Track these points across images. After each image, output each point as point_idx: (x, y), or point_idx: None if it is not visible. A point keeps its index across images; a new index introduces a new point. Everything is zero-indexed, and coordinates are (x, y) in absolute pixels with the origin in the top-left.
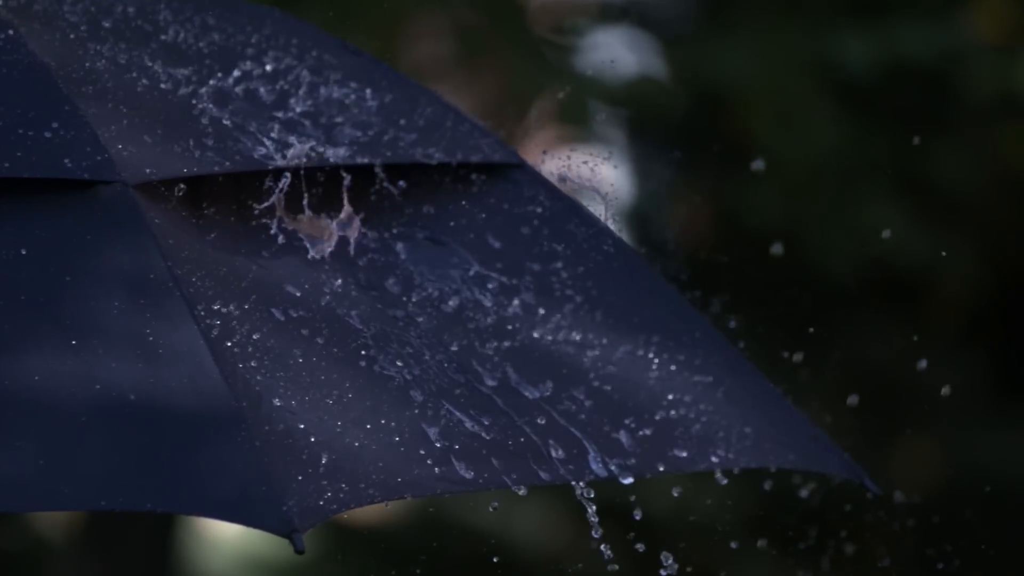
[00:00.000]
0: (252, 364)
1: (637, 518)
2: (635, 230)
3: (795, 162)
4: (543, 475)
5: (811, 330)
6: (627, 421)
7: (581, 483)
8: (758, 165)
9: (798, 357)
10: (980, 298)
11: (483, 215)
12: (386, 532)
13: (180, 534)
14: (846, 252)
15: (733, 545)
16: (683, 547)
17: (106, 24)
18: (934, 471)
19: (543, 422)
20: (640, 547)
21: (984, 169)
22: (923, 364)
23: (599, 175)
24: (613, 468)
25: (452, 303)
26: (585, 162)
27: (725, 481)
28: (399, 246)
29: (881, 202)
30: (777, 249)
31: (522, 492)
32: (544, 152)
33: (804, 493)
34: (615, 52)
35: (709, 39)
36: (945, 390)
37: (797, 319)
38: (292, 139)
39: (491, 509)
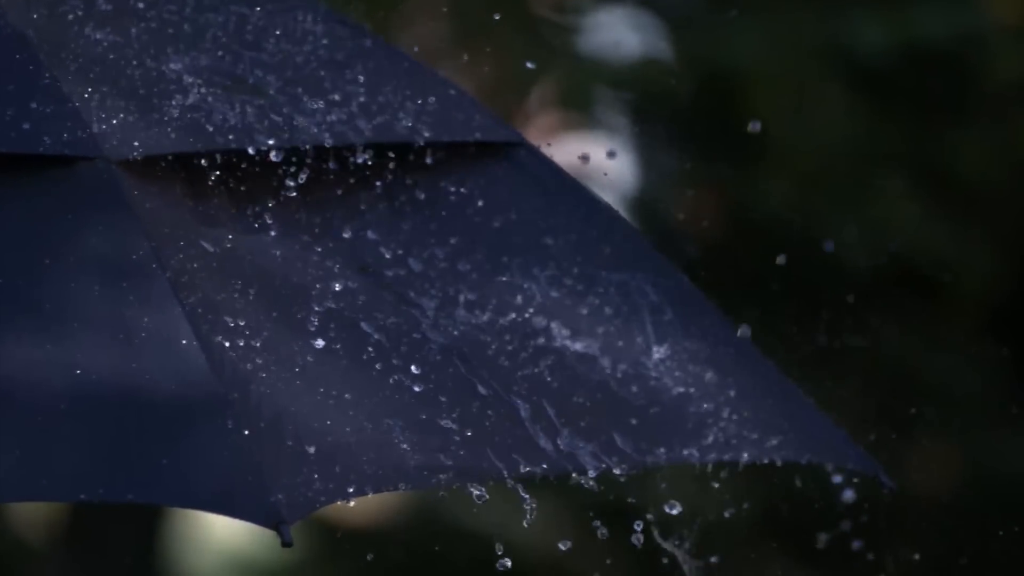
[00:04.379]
0: (240, 351)
1: (637, 528)
2: (639, 218)
3: (806, 150)
4: (543, 468)
5: (823, 324)
6: (634, 412)
7: (578, 476)
8: (755, 127)
9: (809, 351)
10: (1001, 293)
11: (485, 196)
12: (380, 533)
13: (166, 535)
14: (860, 244)
15: (743, 542)
16: (692, 546)
17: None
18: (950, 471)
19: (546, 413)
20: (641, 545)
21: (1006, 158)
22: (940, 361)
23: (602, 161)
24: (615, 461)
25: (451, 289)
26: (587, 149)
27: (709, 486)
28: (397, 229)
29: (897, 193)
30: (781, 259)
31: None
32: (546, 139)
33: (817, 490)
34: (618, 33)
35: (716, 20)
36: (962, 388)
37: (808, 313)
38: (286, 119)
39: (476, 495)
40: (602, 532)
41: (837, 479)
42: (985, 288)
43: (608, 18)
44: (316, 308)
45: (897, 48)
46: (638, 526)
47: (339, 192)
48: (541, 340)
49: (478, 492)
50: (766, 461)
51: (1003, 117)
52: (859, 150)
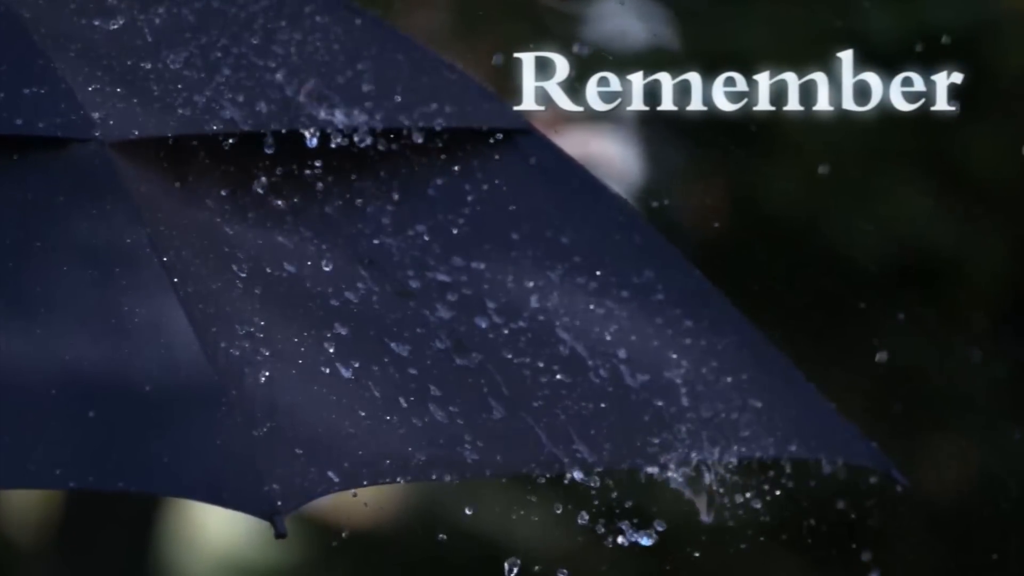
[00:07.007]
0: (236, 340)
1: (657, 532)
2: (645, 212)
3: (815, 141)
4: (551, 467)
5: (832, 322)
6: (648, 412)
7: (577, 472)
8: None
9: (818, 349)
10: (1014, 291)
11: (496, 189)
12: (379, 536)
13: (160, 536)
14: (870, 239)
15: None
16: (699, 548)
17: None
18: (962, 471)
19: (548, 407)
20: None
21: (1018, 154)
22: (951, 359)
23: (606, 153)
24: (627, 461)
25: (459, 284)
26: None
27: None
28: (399, 217)
29: (908, 186)
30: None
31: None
32: (550, 131)
33: (826, 489)
34: (624, 22)
35: (723, 8)
36: (974, 384)
37: (817, 310)
38: (290, 106)
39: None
40: (604, 535)
41: (847, 476)
42: (997, 286)
43: (613, 7)
44: (315, 299)
45: (908, 36)
46: (660, 525)
47: (342, 181)
48: (553, 338)
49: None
50: (774, 456)
51: (1016, 111)
52: (868, 145)
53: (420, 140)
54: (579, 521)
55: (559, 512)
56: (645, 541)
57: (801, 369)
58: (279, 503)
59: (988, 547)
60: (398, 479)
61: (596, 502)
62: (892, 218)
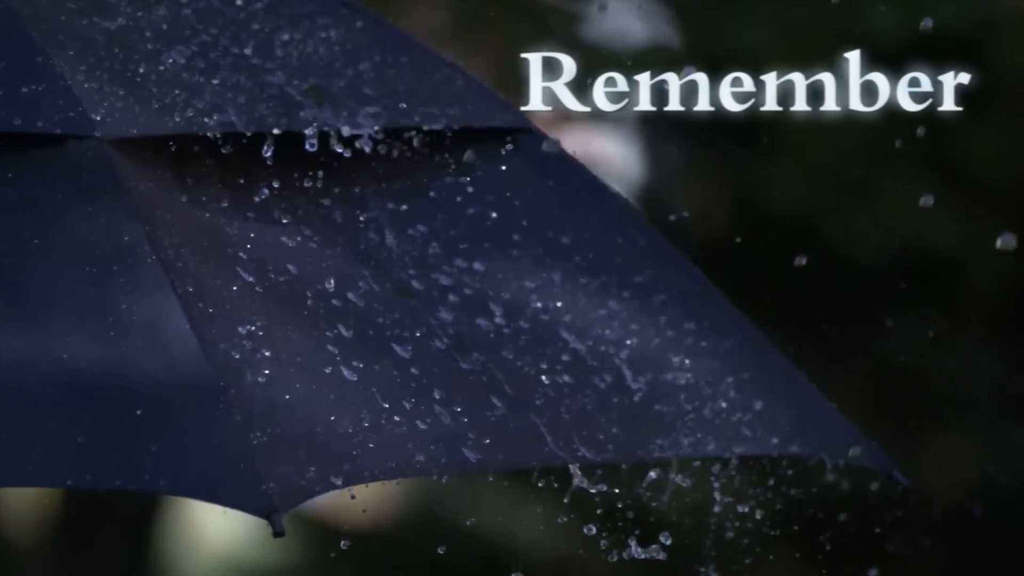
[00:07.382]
0: (235, 337)
1: (665, 541)
2: (645, 211)
3: (816, 140)
4: (551, 463)
5: (833, 321)
6: (649, 411)
7: (577, 469)
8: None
9: (819, 348)
10: (1016, 291)
11: (498, 189)
12: (379, 538)
13: (158, 537)
14: (872, 238)
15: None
16: (703, 550)
17: None
18: (962, 471)
19: (550, 406)
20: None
21: (1020, 153)
22: (952, 359)
23: (607, 152)
24: (627, 458)
25: (456, 278)
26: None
27: (717, 486)
28: (400, 216)
29: (909, 186)
30: (800, 261)
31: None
32: (550, 130)
33: (828, 491)
34: (625, 21)
35: (724, 6)
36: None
37: (818, 309)
38: (289, 104)
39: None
40: (604, 538)
41: (850, 477)
42: (998, 286)
43: (614, 5)
44: (314, 297)
45: (910, 34)
46: (665, 538)
47: (344, 182)
48: (555, 338)
49: None
50: (776, 455)
51: (1018, 111)
52: (869, 145)
53: (422, 141)
54: (585, 531)
55: (562, 519)
56: (652, 555)
57: (802, 369)
58: (277, 502)
59: (988, 547)
60: (398, 477)
61: (599, 511)
62: (893, 218)
